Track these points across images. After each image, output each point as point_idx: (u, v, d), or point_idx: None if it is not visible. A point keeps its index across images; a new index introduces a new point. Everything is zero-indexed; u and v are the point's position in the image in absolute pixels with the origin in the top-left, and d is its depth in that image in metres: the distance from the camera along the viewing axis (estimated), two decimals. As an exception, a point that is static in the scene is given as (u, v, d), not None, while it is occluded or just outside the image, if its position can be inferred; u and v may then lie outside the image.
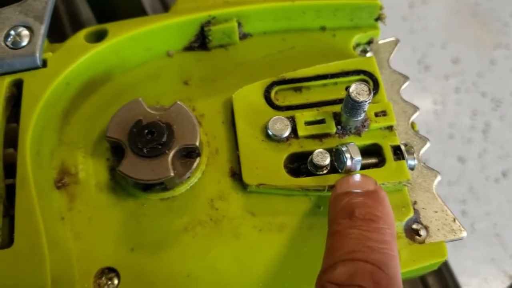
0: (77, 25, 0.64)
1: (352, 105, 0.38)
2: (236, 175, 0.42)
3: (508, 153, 1.24)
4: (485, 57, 1.35)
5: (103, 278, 0.39)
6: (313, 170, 0.41)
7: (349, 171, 0.40)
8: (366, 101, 0.38)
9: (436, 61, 1.34)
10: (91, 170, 0.42)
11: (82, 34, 0.44)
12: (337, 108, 0.42)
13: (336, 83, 0.44)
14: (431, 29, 1.38)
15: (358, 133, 0.41)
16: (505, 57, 1.35)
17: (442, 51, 1.36)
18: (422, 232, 0.41)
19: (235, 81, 0.45)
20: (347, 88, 0.38)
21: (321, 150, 0.40)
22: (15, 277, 0.36)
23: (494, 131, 1.27)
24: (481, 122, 1.28)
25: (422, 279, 0.62)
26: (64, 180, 0.42)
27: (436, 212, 0.42)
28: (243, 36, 0.48)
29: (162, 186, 0.41)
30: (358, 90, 0.37)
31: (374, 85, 0.43)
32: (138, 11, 0.68)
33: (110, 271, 0.40)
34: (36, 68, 0.42)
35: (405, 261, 0.39)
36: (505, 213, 1.19)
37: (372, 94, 0.37)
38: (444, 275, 0.64)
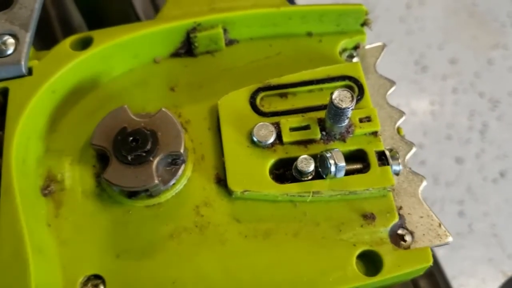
0: (68, 31, 0.64)
1: (335, 112, 0.38)
2: (221, 181, 0.42)
3: (505, 153, 1.24)
4: (482, 58, 1.35)
5: (89, 285, 0.40)
6: (298, 176, 0.41)
7: (334, 177, 0.40)
8: (349, 108, 0.38)
9: (433, 61, 1.34)
10: (77, 177, 0.43)
11: (67, 42, 0.44)
12: (322, 114, 0.42)
13: (321, 89, 0.44)
14: (428, 30, 1.38)
15: (342, 139, 0.41)
16: (503, 57, 1.35)
17: (439, 51, 1.36)
18: (408, 238, 0.41)
19: (221, 87, 0.45)
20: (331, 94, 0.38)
21: (305, 156, 0.40)
22: (-1, 285, 0.36)
23: (492, 131, 1.27)
24: (478, 122, 1.28)
25: (414, 283, 0.62)
26: (50, 187, 0.42)
27: (421, 217, 0.42)
28: (230, 42, 0.48)
29: (147, 193, 0.41)
30: (341, 96, 0.38)
31: (359, 91, 0.43)
32: (130, 16, 0.68)
33: (96, 278, 0.40)
34: (22, 76, 0.42)
35: (390, 267, 0.39)
36: (503, 213, 1.19)
37: (355, 100, 0.38)
38: (437, 279, 0.64)
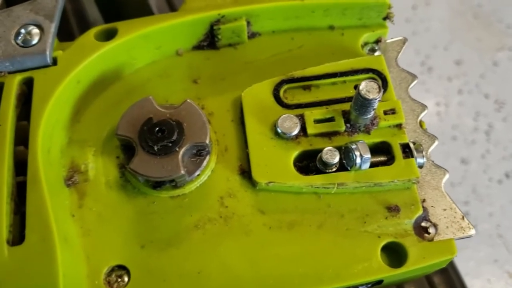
0: (84, 25, 0.64)
1: (362, 103, 0.38)
2: (245, 173, 0.42)
3: (511, 154, 1.24)
4: (488, 59, 1.35)
5: (113, 275, 0.40)
6: (322, 168, 0.41)
7: (359, 169, 0.40)
8: (376, 99, 0.38)
9: (439, 62, 1.34)
10: (101, 168, 0.42)
11: (92, 32, 0.44)
12: (346, 106, 0.42)
13: (345, 82, 0.44)
14: (434, 31, 1.38)
15: (367, 131, 0.42)
16: (508, 59, 1.35)
17: (445, 52, 1.36)
18: (431, 230, 0.41)
19: (244, 80, 0.45)
20: (356, 86, 0.38)
21: (330, 148, 0.40)
22: (27, 273, 0.36)
23: (497, 133, 1.27)
24: (484, 123, 1.28)
25: (428, 279, 0.62)
26: (74, 178, 0.42)
27: (444, 210, 0.42)
28: (252, 35, 0.48)
29: (172, 183, 0.41)
30: (368, 87, 0.38)
31: (383, 84, 0.43)
32: (145, 11, 0.68)
33: (120, 269, 0.40)
34: (47, 66, 0.43)
35: (415, 258, 0.39)
36: (508, 214, 1.18)
37: (382, 91, 0.38)
38: (450, 275, 0.64)
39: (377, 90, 0.38)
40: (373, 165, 0.41)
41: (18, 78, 0.42)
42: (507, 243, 1.16)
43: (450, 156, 1.24)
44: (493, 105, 1.30)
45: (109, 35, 0.44)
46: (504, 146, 1.25)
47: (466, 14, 1.41)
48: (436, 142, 0.44)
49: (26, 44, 0.42)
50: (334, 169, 0.41)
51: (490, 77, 1.33)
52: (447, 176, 0.43)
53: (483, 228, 1.17)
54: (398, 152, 0.41)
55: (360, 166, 0.40)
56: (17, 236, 0.38)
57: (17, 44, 0.42)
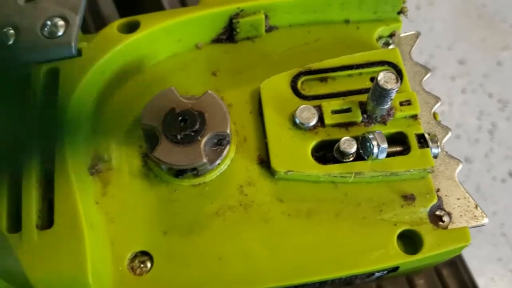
0: (100, 22, 0.65)
1: (380, 93, 0.39)
2: (264, 162, 0.43)
3: (515, 153, 1.25)
4: (491, 58, 1.36)
5: (136, 261, 0.41)
6: (340, 157, 0.42)
7: (375, 159, 0.41)
8: (393, 89, 0.39)
9: (442, 62, 1.35)
10: (124, 157, 0.44)
11: (115, 25, 0.45)
12: (362, 97, 0.43)
13: (361, 74, 0.45)
14: (437, 31, 1.39)
15: (383, 122, 0.43)
16: (512, 59, 1.36)
17: (448, 52, 1.37)
18: (445, 218, 0.42)
19: (261, 72, 0.46)
20: (372, 78, 0.39)
21: (347, 138, 0.41)
22: (56, 256, 0.37)
23: (501, 132, 1.28)
24: (487, 122, 1.29)
25: (437, 271, 0.63)
26: (97, 166, 0.43)
27: (458, 199, 0.43)
28: (269, 29, 0.49)
29: (194, 172, 0.42)
30: (386, 78, 0.39)
31: (398, 76, 0.44)
32: (157, 9, 0.69)
33: (143, 255, 0.41)
34: (72, 57, 0.44)
35: (430, 246, 0.40)
36: (511, 213, 1.19)
37: (399, 82, 0.39)
38: (459, 267, 0.65)
39: (395, 80, 0.39)
40: (389, 154, 0.41)
41: (44, 68, 0.43)
42: (511, 241, 1.17)
43: (454, 154, 1.25)
44: (496, 104, 1.30)
45: (131, 28, 0.45)
46: (507, 145, 1.25)
47: (470, 14, 1.42)
48: (450, 134, 0.46)
49: (52, 35, 0.43)
50: (351, 159, 0.42)
51: (494, 76, 1.34)
52: (460, 166, 0.44)
53: (486, 227, 1.17)
54: (413, 142, 0.42)
55: (377, 155, 0.41)
56: (46, 221, 0.39)
57: (43, 35, 0.43)
